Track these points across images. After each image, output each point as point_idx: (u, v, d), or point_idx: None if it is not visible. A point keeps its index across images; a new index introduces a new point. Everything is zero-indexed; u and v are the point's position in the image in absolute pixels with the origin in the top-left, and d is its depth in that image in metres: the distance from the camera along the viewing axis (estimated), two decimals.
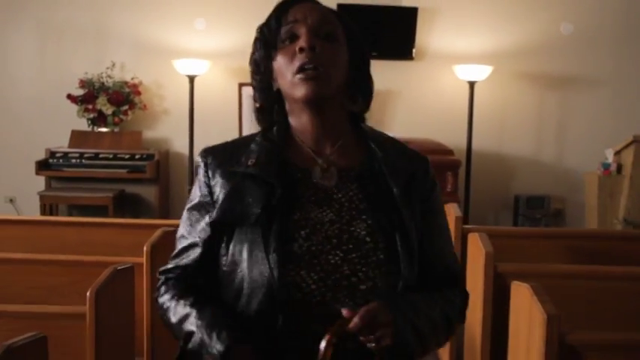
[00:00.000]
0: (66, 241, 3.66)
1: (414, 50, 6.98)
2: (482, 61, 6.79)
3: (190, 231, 1.49)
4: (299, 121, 1.49)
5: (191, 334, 1.39)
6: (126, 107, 6.78)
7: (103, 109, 6.71)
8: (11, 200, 7.16)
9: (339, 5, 6.81)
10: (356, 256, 1.38)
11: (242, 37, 6.89)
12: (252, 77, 1.53)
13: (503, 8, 7.00)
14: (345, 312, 1.28)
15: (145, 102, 6.89)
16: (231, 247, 1.42)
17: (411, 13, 6.93)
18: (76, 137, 6.73)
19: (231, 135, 5.99)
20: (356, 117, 1.54)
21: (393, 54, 7.04)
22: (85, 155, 6.57)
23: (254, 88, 1.54)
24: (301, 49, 1.40)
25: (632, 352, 2.07)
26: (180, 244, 1.51)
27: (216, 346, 1.33)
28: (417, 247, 1.43)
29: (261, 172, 1.43)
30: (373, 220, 1.41)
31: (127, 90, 6.83)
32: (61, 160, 6.57)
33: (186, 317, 1.42)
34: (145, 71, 6.97)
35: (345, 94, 1.48)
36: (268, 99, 1.52)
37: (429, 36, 7.03)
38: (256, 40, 1.52)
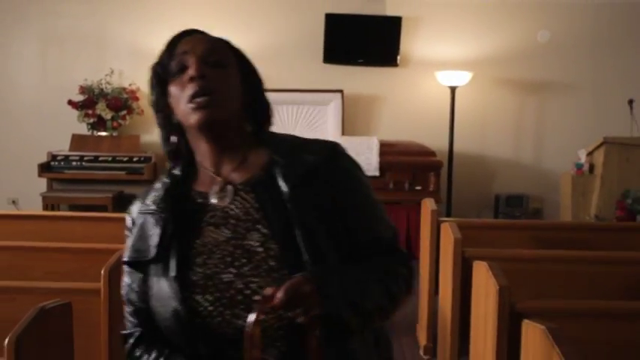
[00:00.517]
0: (72, 234, 3.95)
1: (398, 57, 7.30)
2: (463, 67, 7.11)
3: (124, 290, 1.54)
4: (199, 147, 1.50)
5: None
6: (124, 112, 7.08)
7: (103, 114, 7.01)
8: (14, 202, 7.44)
9: (327, 15, 7.17)
10: (248, 269, 1.38)
11: (250, 42, 7.19)
12: (155, 116, 1.53)
13: (483, 17, 7.33)
14: (267, 290, 1.27)
15: (143, 107, 7.16)
16: (144, 284, 1.47)
17: (395, 22, 7.24)
18: (77, 141, 7.04)
19: None
20: (260, 131, 1.53)
21: (379, 61, 7.37)
22: (85, 158, 6.87)
23: (158, 125, 1.54)
24: (191, 79, 1.40)
25: (571, 316, 2.41)
26: (125, 306, 1.55)
27: None
28: (339, 235, 1.42)
29: (157, 208, 1.47)
30: (268, 227, 1.40)
31: (126, 96, 7.13)
32: (62, 163, 6.87)
33: None
34: (143, 78, 7.12)
35: (241, 116, 1.48)
36: (171, 133, 1.52)
37: (413, 44, 7.35)
38: (151, 78, 1.50)
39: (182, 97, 1.42)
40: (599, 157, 6.34)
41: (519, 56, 7.32)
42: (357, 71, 7.38)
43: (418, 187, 6.51)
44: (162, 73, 1.46)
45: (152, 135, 7.39)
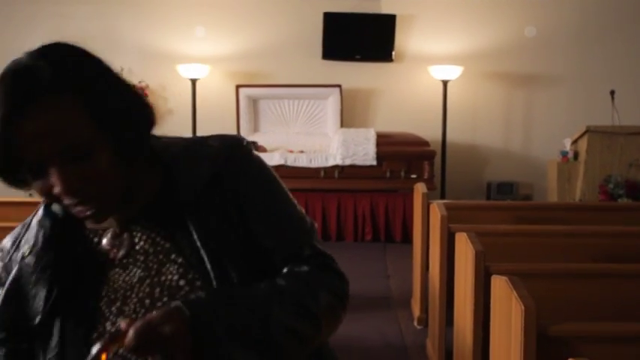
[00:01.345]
0: None
1: (393, 53, 7.68)
2: (454, 62, 7.50)
3: None
4: None
5: None
6: None
7: None
8: (30, 194, 7.82)
9: (326, 14, 7.55)
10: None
11: (238, 44, 7.69)
12: None
13: (473, 14, 7.71)
14: (122, 324, 1.01)
15: (151, 104, 7.54)
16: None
17: (390, 20, 7.62)
18: None
19: (231, 132, 6.70)
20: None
21: (375, 56, 7.75)
22: None
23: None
24: (62, 195, 1.06)
25: (537, 276, 2.79)
26: None
27: None
28: (250, 251, 1.16)
29: (37, 261, 1.17)
30: (183, 255, 1.14)
31: None
32: None
33: None
34: (151, 75, 7.63)
35: (123, 167, 1.12)
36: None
37: (407, 40, 7.74)
38: None
39: (55, 199, 1.09)
40: (582, 145, 6.66)
41: (508, 51, 7.71)
42: (355, 67, 7.75)
43: (413, 176, 6.82)
44: (12, 166, 1.06)
45: (160, 130, 7.75)
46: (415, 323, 4.60)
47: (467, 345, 3.08)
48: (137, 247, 1.18)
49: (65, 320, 1.16)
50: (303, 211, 1.28)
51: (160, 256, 1.17)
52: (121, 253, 1.18)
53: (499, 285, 2.38)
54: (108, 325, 1.14)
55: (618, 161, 6.50)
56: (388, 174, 6.88)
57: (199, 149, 1.22)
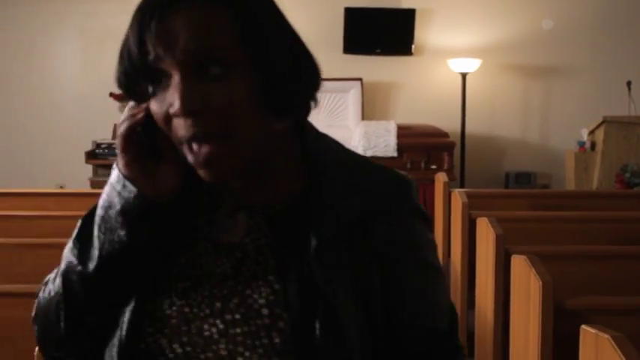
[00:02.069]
0: None
1: (413, 47, 7.82)
2: (473, 54, 7.63)
3: None
4: None
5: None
6: None
7: None
8: (61, 187, 8.08)
9: (347, 9, 7.71)
10: (241, 332, 0.93)
11: None
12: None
13: (490, 8, 7.83)
14: None
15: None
16: None
17: (409, 14, 7.76)
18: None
19: None
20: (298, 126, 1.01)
21: (395, 50, 7.90)
22: None
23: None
24: (176, 113, 0.87)
25: (554, 258, 2.97)
26: None
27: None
28: (376, 319, 0.97)
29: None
30: (282, 284, 0.94)
31: None
32: (106, 150, 7.49)
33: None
34: None
35: (267, 124, 0.92)
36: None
37: (426, 34, 7.88)
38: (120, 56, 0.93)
39: (171, 131, 0.90)
40: (599, 135, 6.81)
41: (525, 43, 7.82)
42: (375, 60, 7.91)
43: (433, 166, 6.96)
44: (132, 70, 0.91)
45: None
46: None
47: (488, 323, 3.27)
48: (241, 241, 0.97)
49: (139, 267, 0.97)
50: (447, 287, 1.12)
51: (258, 267, 0.95)
52: (236, 236, 0.97)
53: (518, 263, 2.57)
54: (166, 304, 0.95)
55: (635, 151, 6.65)
56: (409, 165, 7.00)
57: (357, 175, 1.00)
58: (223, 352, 0.92)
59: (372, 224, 0.97)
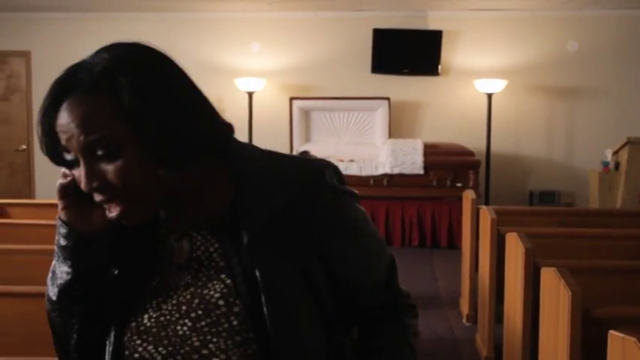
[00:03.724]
0: None
1: (439, 67, 8.02)
2: (499, 75, 7.83)
3: None
4: None
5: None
6: None
7: None
8: None
9: (375, 30, 7.93)
10: (206, 324, 1.11)
11: (292, 58, 8.12)
12: None
13: (517, 30, 8.02)
14: None
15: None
16: None
17: (436, 36, 7.96)
18: None
19: (284, 143, 7.20)
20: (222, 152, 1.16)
21: (422, 70, 8.10)
22: None
23: None
24: (85, 190, 1.07)
25: (579, 271, 3.11)
26: None
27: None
28: (319, 295, 1.15)
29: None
30: (232, 279, 1.11)
31: None
32: None
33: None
34: (210, 89, 8.00)
35: (160, 172, 1.07)
36: None
37: (453, 55, 8.08)
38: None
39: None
40: (623, 156, 6.93)
41: (550, 65, 8.00)
42: (402, 80, 8.12)
43: (459, 184, 7.12)
44: (56, 151, 1.09)
45: None
46: (464, 320, 4.93)
47: (517, 334, 3.42)
48: (194, 255, 1.15)
49: (112, 293, 1.17)
50: (384, 242, 1.29)
51: (211, 272, 1.14)
52: (182, 258, 1.16)
53: (548, 275, 2.72)
54: (145, 318, 1.15)
55: None
56: (435, 182, 7.19)
57: (276, 175, 1.16)
58: (197, 343, 1.11)
59: (297, 210, 1.13)
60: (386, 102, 7.89)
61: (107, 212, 1.09)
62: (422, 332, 1.33)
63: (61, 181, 1.12)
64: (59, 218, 1.14)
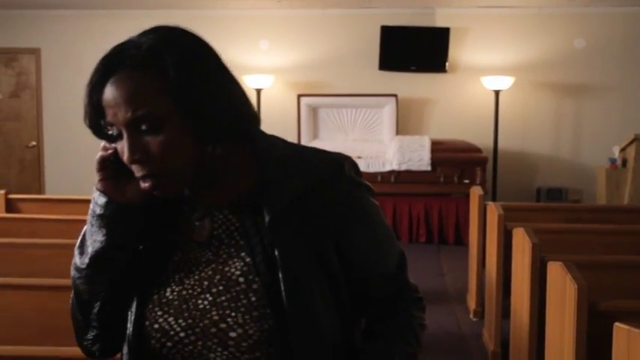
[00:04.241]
0: None
1: (447, 64, 8.03)
2: (506, 72, 7.85)
3: None
4: None
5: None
6: None
7: None
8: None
9: (383, 27, 7.95)
10: (225, 299, 1.17)
11: (300, 55, 8.15)
12: None
13: (524, 27, 8.03)
14: None
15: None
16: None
17: (444, 33, 7.98)
18: None
19: (291, 139, 7.28)
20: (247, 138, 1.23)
21: (430, 67, 8.12)
22: None
23: None
24: (127, 162, 1.13)
25: (585, 266, 3.14)
26: None
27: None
28: (333, 278, 1.22)
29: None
30: (252, 257, 1.18)
31: None
32: None
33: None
34: None
35: (204, 151, 1.15)
36: None
37: (460, 52, 8.09)
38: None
39: (130, 167, 1.15)
40: (630, 152, 6.95)
41: (558, 62, 8.01)
42: (410, 77, 8.14)
43: (466, 181, 7.14)
44: (100, 125, 1.16)
45: None
46: (471, 316, 4.96)
47: (523, 328, 3.44)
48: (215, 233, 1.22)
49: (136, 265, 1.23)
50: (395, 237, 1.34)
51: (232, 250, 1.21)
52: (203, 236, 1.22)
53: (554, 269, 2.75)
54: (168, 291, 1.21)
55: None
56: (442, 179, 7.21)
57: (298, 162, 1.23)
58: (216, 317, 1.17)
59: (316, 197, 1.20)
60: (393, 99, 7.92)
61: (142, 183, 1.14)
62: (429, 327, 1.37)
63: (101, 153, 1.18)
64: (97, 189, 1.19)
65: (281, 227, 1.18)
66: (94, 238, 1.20)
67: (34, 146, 8.64)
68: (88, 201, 4.24)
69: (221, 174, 1.21)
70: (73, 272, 1.23)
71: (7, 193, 4.86)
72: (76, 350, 2.03)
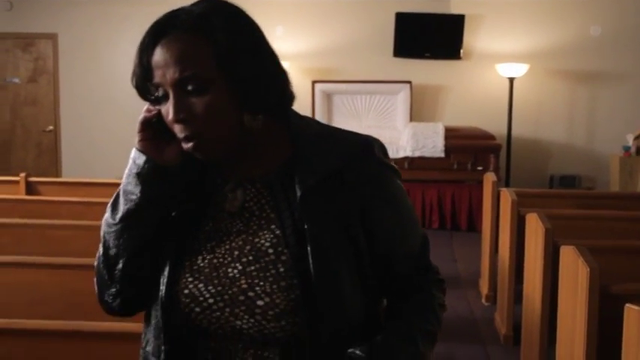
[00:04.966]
0: None
1: (461, 51, 8.05)
2: (520, 60, 7.84)
3: None
4: None
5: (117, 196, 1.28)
6: None
7: None
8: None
9: (398, 14, 7.96)
10: (255, 268, 1.22)
11: (315, 42, 8.18)
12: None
13: (538, 14, 8.02)
14: None
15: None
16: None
17: (459, 20, 8.00)
18: None
19: None
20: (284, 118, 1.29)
21: (444, 55, 8.14)
22: None
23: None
24: (172, 122, 1.20)
25: (597, 251, 3.18)
26: None
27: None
28: (359, 253, 1.26)
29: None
30: (281, 230, 1.23)
31: None
32: None
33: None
34: None
35: (244, 128, 1.22)
36: None
37: (475, 39, 8.10)
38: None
39: (171, 126, 1.21)
40: None
41: (573, 49, 8.01)
42: (424, 64, 8.16)
43: (480, 168, 7.17)
44: (147, 87, 1.22)
45: None
46: (483, 300, 5.01)
47: (535, 313, 3.50)
48: (246, 205, 1.27)
49: (169, 231, 1.28)
50: (418, 220, 1.39)
51: (262, 222, 1.25)
52: (235, 206, 1.27)
53: (567, 253, 2.80)
54: (199, 259, 1.26)
55: None
56: (455, 166, 7.25)
57: (330, 141, 1.28)
58: (244, 286, 1.22)
59: (346, 175, 1.24)
60: (408, 85, 7.94)
61: (183, 144, 1.20)
62: None
63: (144, 114, 1.23)
64: (136, 149, 1.24)
65: (312, 202, 1.22)
66: (128, 195, 1.24)
67: (51, 131, 8.73)
68: (105, 184, 4.37)
69: (257, 148, 1.26)
70: (103, 227, 1.28)
71: (27, 176, 4.95)
72: (98, 325, 2.11)
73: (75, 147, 8.65)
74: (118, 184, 4.13)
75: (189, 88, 1.16)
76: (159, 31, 1.18)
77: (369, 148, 1.28)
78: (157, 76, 1.18)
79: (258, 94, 1.19)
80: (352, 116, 8.06)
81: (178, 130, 1.19)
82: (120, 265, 1.26)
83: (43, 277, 2.73)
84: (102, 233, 1.29)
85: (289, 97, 1.28)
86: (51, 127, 8.72)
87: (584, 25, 8.00)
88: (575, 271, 2.70)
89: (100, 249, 1.29)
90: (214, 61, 1.16)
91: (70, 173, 8.45)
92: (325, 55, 8.22)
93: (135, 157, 1.24)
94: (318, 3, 8.20)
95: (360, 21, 8.19)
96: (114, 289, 1.28)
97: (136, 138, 1.24)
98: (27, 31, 8.54)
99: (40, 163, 8.72)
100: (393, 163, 1.33)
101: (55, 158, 8.76)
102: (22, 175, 4.94)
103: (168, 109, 1.18)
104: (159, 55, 1.17)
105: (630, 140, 7.17)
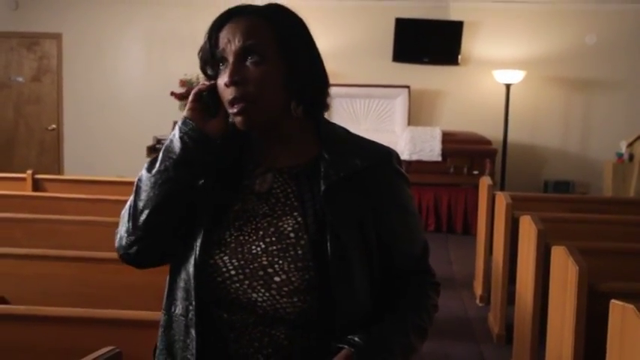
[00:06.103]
0: None
1: (459, 57, 8.17)
2: (517, 66, 7.96)
3: None
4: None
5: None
6: None
7: None
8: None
9: (397, 20, 8.08)
10: (276, 248, 1.35)
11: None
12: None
13: (536, 22, 8.15)
14: None
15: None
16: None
17: (457, 26, 8.11)
18: None
19: None
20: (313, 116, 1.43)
21: (442, 60, 8.25)
22: None
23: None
24: (227, 84, 1.33)
25: (587, 252, 3.29)
26: None
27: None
28: (370, 246, 1.39)
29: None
30: (303, 217, 1.37)
31: None
32: None
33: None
34: None
35: (287, 109, 1.37)
36: None
37: (472, 45, 8.22)
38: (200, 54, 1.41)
39: (224, 95, 1.36)
40: (637, 147, 7.09)
41: (569, 57, 8.13)
42: (423, 69, 8.27)
43: (475, 172, 7.27)
44: (206, 58, 1.38)
45: None
46: (477, 301, 5.13)
47: (527, 312, 3.61)
48: (273, 191, 1.40)
49: (202, 204, 1.41)
50: (422, 228, 1.55)
51: (286, 208, 1.39)
52: (264, 187, 1.41)
53: (558, 253, 2.92)
54: (227, 235, 1.38)
55: None
56: (452, 169, 7.36)
57: (356, 146, 1.42)
58: (265, 262, 1.35)
59: (365, 178, 1.38)
60: (406, 90, 8.05)
61: (231, 108, 1.35)
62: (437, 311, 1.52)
63: (199, 86, 1.39)
64: (184, 117, 1.38)
65: (334, 196, 1.36)
66: (168, 153, 1.37)
67: (53, 129, 8.83)
68: (108, 182, 4.45)
69: (291, 139, 1.42)
70: (136, 182, 1.40)
71: (34, 173, 5.06)
72: (109, 312, 2.22)
73: (77, 145, 8.75)
74: (121, 183, 4.18)
75: (249, 58, 1.32)
76: (229, 14, 1.36)
77: (388, 157, 1.43)
78: (222, 44, 1.34)
79: (307, 85, 1.37)
80: (351, 119, 8.15)
81: (229, 93, 1.34)
82: (143, 216, 1.37)
83: (57, 270, 2.84)
84: (134, 186, 1.40)
85: (326, 101, 1.45)
86: (54, 126, 8.83)
87: (580, 33, 8.13)
88: (565, 270, 2.81)
89: (130, 200, 1.41)
90: (275, 44, 1.34)
91: (71, 171, 8.54)
92: (325, 59, 8.01)
93: (181, 125, 1.38)
94: (319, 7, 8.29)
95: (360, 26, 8.30)
96: (133, 237, 1.39)
97: (186, 107, 1.39)
98: (32, 31, 8.65)
99: (42, 160, 8.82)
100: (405, 173, 1.47)
101: (58, 156, 8.87)
102: (29, 172, 5.05)
103: (225, 75, 1.33)
104: (227, 29, 1.34)
105: (623, 147, 7.27)
